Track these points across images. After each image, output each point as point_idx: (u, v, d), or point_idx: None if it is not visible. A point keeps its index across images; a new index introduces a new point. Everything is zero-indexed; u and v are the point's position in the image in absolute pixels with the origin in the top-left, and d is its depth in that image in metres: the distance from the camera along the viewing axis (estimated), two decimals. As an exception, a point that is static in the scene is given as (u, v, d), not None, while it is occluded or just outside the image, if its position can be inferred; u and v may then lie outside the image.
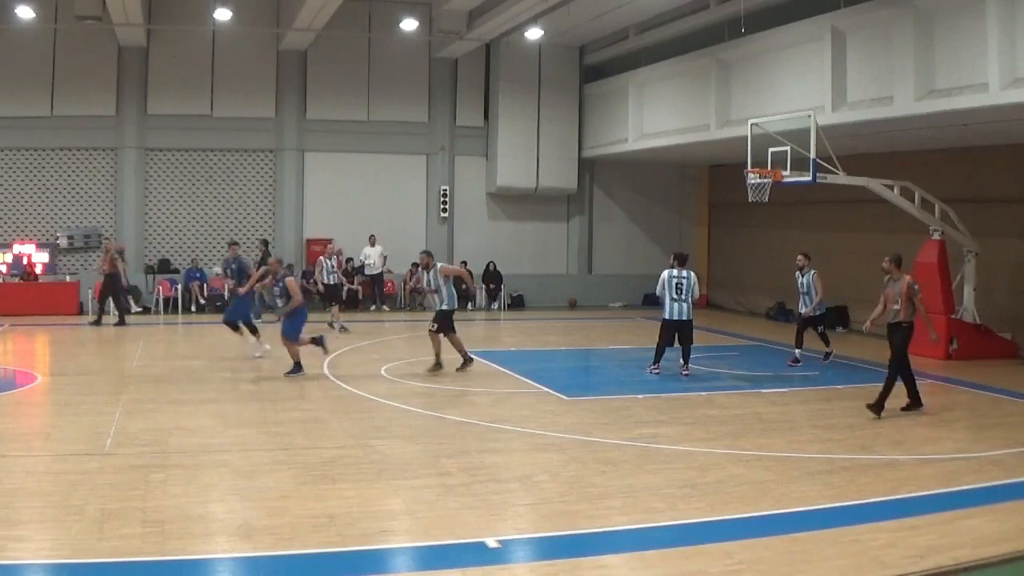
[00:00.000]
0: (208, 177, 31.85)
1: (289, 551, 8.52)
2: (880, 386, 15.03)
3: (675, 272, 18.73)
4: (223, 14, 28.37)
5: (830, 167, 20.76)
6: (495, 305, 33.26)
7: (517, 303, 33.86)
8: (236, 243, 24.16)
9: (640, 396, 16.65)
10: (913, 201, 22.10)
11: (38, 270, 29.70)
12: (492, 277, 33.44)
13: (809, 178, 20.56)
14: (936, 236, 22.46)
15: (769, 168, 21.52)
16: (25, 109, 30.08)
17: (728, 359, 21.58)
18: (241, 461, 11.55)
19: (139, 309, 29.85)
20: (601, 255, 35.49)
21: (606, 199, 35.64)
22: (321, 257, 27.19)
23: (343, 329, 25.64)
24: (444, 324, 18.79)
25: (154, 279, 30.73)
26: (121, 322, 26.84)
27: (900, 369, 14.99)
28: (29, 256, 29.85)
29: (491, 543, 8.77)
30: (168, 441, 12.59)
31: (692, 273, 18.90)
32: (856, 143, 23.03)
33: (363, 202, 32.82)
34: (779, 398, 16.69)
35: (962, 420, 15.50)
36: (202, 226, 31.79)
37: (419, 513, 9.71)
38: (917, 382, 15.38)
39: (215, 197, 31.96)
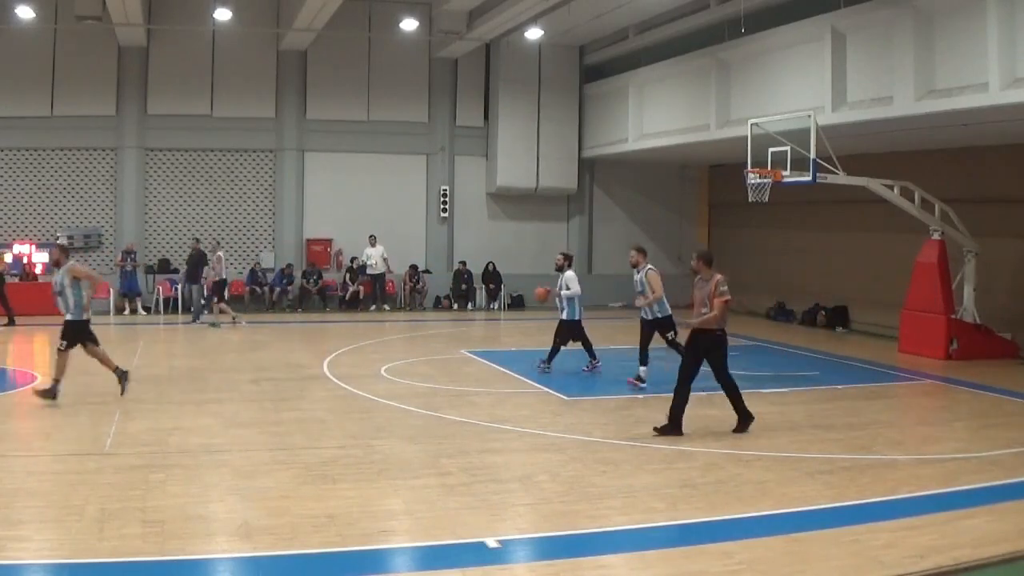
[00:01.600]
0: (208, 177, 31.88)
1: (289, 551, 8.53)
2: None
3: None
4: (223, 14, 28.38)
5: (830, 167, 20.76)
6: (495, 305, 33.25)
7: (517, 303, 33.84)
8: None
9: (640, 396, 16.68)
10: (913, 201, 22.10)
11: (38, 270, 29.69)
12: (492, 277, 33.43)
13: (809, 178, 20.57)
14: (936, 236, 22.47)
15: (769, 168, 21.53)
16: (25, 109, 30.12)
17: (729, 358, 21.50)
18: (241, 461, 11.56)
19: (143, 311, 29.86)
20: (601, 255, 35.45)
21: (606, 199, 35.64)
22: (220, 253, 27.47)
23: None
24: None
25: (154, 279, 30.73)
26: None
27: (724, 382, 13.77)
28: (28, 256, 29.85)
29: (491, 543, 8.78)
30: (168, 441, 12.61)
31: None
32: (856, 143, 23.02)
33: (363, 202, 32.82)
34: (779, 398, 16.71)
35: (962, 420, 15.52)
36: (202, 226, 31.75)
37: (419, 513, 9.72)
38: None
39: (215, 197, 31.98)
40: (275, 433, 13.21)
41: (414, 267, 32.69)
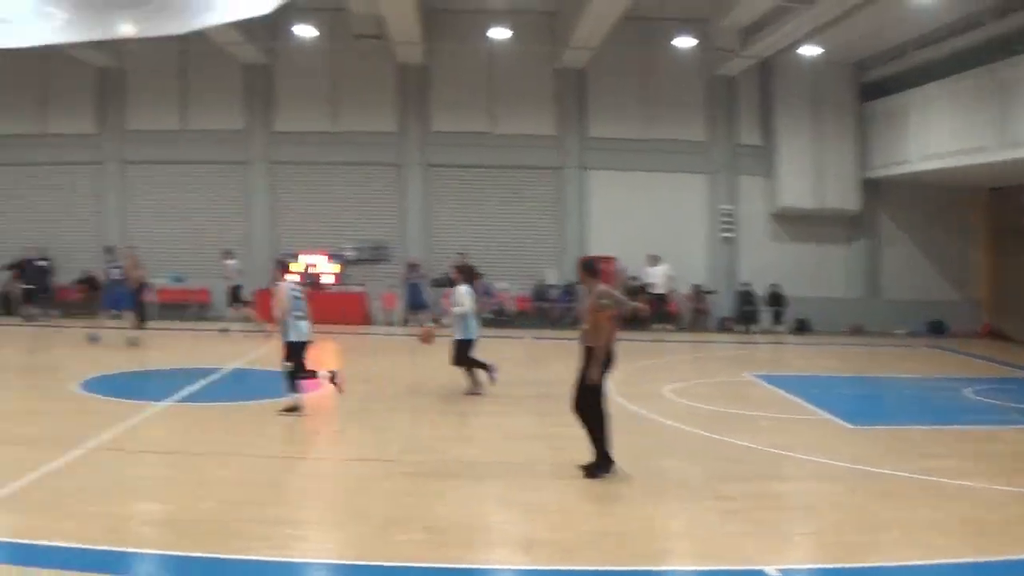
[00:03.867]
0: (492, 194, 32.36)
1: (568, 566, 8.51)
2: None
3: None
4: (499, 33, 28.83)
5: None
6: (780, 328, 32.56)
7: (802, 327, 33.02)
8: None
9: (923, 427, 16.02)
10: None
11: (327, 280, 30.81)
12: (776, 300, 32.77)
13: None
14: None
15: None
16: (310, 125, 31.39)
17: (1010, 391, 20.51)
18: (523, 474, 11.62)
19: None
20: (888, 278, 34.26)
21: (891, 221, 34.48)
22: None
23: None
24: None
25: (440, 292, 31.35)
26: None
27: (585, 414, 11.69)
28: (317, 266, 31.04)
29: (771, 572, 8.55)
30: (453, 451, 12.80)
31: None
32: None
33: (644, 221, 32.58)
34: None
35: None
36: (486, 243, 32.27)
37: (698, 536, 9.57)
38: None
39: (499, 214, 32.42)
40: (556, 447, 13.21)
41: (698, 287, 32.36)
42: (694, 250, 33.05)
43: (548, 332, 29.59)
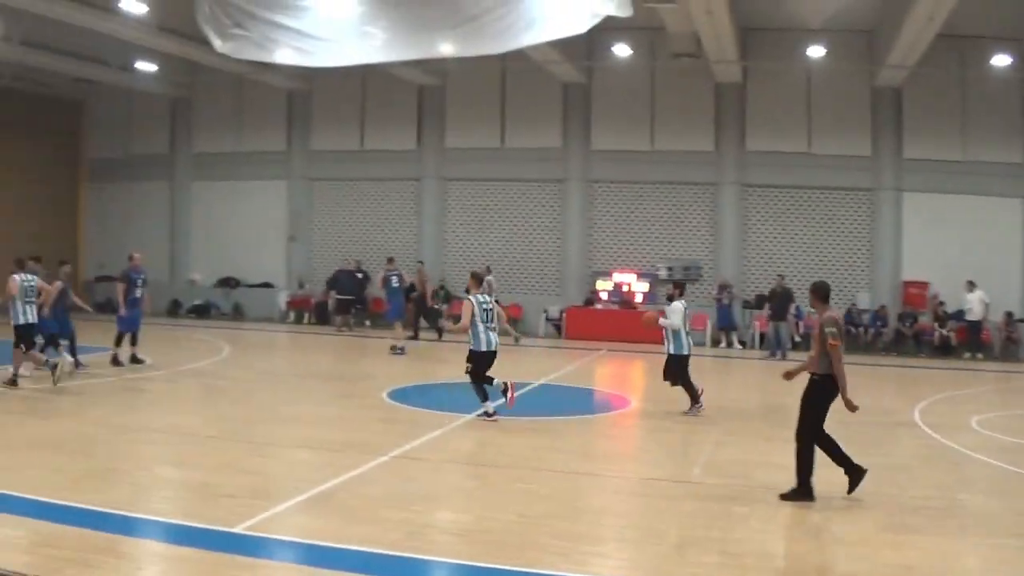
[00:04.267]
0: (805, 215, 31.63)
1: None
2: None
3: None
4: (816, 51, 28.28)
5: None
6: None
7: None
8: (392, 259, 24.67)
9: None
10: None
11: (638, 299, 30.89)
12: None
13: None
14: None
15: None
16: (626, 143, 31.59)
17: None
18: (822, 502, 11.30)
19: (739, 345, 30.20)
20: None
21: None
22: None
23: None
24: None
25: (750, 314, 30.98)
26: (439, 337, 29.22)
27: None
28: (628, 285, 31.14)
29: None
30: (755, 475, 12.58)
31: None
32: None
33: (958, 245, 30.94)
34: None
35: None
36: (798, 264, 31.62)
37: (997, 575, 9.11)
38: None
39: (811, 235, 31.65)
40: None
41: (1010, 314, 30.75)
42: (1008, 276, 31.21)
43: (858, 358, 28.67)
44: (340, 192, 35.64)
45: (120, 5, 24.65)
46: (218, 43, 21.26)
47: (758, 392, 21.68)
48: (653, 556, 9.11)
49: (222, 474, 11.81)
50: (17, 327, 18.37)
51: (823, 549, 9.64)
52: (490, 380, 16.03)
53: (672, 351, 17.48)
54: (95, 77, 34.77)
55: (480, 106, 33.23)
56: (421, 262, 31.82)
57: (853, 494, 11.36)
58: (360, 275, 32.83)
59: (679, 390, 17.03)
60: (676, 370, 17.41)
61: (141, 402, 17.81)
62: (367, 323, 32.47)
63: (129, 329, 21.94)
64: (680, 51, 27.67)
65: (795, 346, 28.54)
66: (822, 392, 11.43)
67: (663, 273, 31.50)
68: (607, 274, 31.66)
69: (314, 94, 35.44)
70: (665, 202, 32.21)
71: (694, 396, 17.22)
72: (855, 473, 11.46)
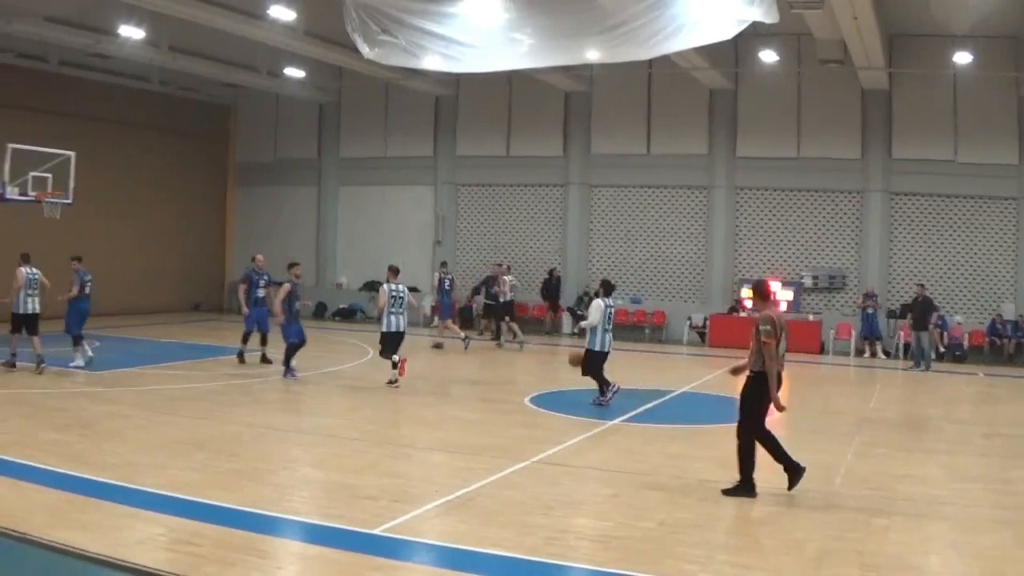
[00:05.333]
0: (950, 224, 30.74)
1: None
2: None
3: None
4: (962, 58, 27.64)
5: None
6: None
7: None
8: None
9: None
10: None
11: (782, 308, 30.51)
12: None
13: None
14: None
15: None
16: (773, 150, 31.24)
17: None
18: (964, 516, 11.08)
19: (883, 355, 29.60)
20: None
21: None
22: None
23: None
24: None
25: (895, 323, 30.36)
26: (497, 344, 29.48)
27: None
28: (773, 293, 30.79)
29: None
30: (896, 488, 12.36)
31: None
32: None
33: None
34: None
35: None
36: (942, 274, 30.80)
37: None
38: None
39: (956, 245, 30.79)
40: (1001, 491, 12.51)
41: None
42: None
43: (1002, 369, 27.96)
44: (485, 197, 35.89)
45: (268, 12, 25.10)
46: (366, 49, 21.60)
47: (900, 403, 21.27)
48: (791, 566, 9.01)
49: (363, 476, 12.00)
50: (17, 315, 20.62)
51: (960, 563, 9.44)
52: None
53: (588, 346, 18.29)
54: (243, 82, 35.59)
55: (626, 112, 33.13)
56: (499, 264, 32.09)
57: (997, 511, 11.08)
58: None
59: (830, 402, 16.81)
60: (591, 364, 18.28)
61: (286, 404, 18.19)
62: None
63: (255, 328, 22.91)
64: (826, 57, 27.27)
65: (939, 356, 27.92)
66: (758, 389, 11.69)
67: (808, 281, 31.09)
68: (752, 282, 31.26)
69: (460, 100, 35.74)
70: (810, 210, 31.74)
71: (602, 388, 18.20)
72: (794, 472, 11.69)
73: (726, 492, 11.47)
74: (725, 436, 15.30)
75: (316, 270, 38.36)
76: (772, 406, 11.72)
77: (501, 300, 29.61)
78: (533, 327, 32.83)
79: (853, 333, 29.77)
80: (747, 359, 11.86)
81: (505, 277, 29.69)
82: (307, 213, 39.24)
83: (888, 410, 19.35)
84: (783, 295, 30.63)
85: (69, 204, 25.36)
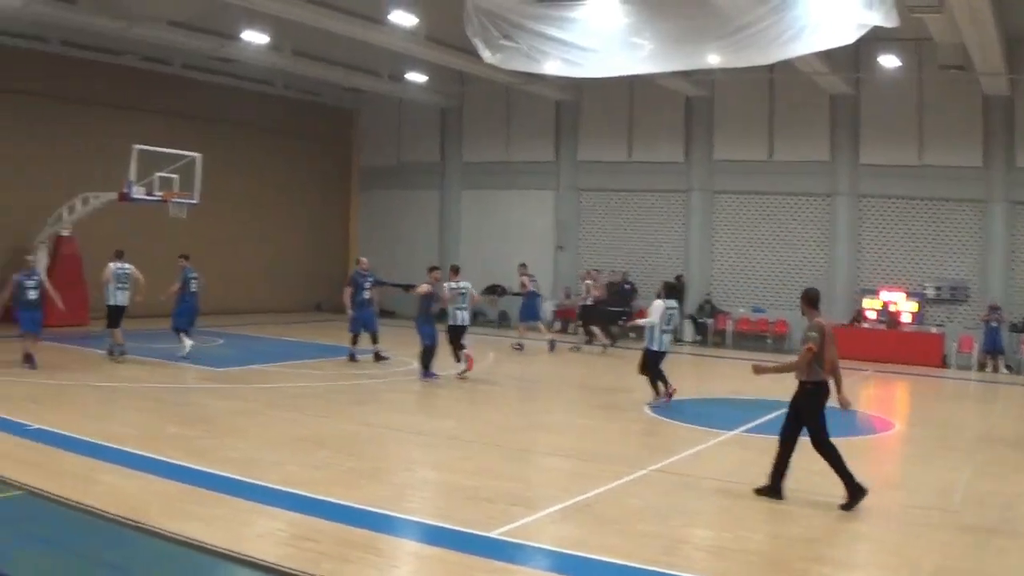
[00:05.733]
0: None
1: None
2: None
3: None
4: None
5: None
6: None
7: None
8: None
9: None
10: None
11: (905, 319, 30.03)
12: None
13: None
14: None
15: None
16: (895, 158, 30.72)
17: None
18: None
19: (1004, 370, 28.93)
20: None
21: None
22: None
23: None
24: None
25: (1018, 338, 29.63)
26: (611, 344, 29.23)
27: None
28: (896, 304, 30.27)
29: None
30: (1017, 507, 12.12)
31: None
32: None
33: None
34: None
35: None
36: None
37: None
38: None
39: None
40: None
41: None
42: None
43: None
44: (607, 203, 35.82)
45: (389, 17, 25.35)
46: (487, 54, 21.76)
47: (1022, 422, 20.77)
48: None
49: (481, 478, 12.10)
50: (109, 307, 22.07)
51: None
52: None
53: (646, 345, 18.77)
54: (366, 87, 36.09)
55: (748, 118, 32.79)
56: (597, 270, 32.52)
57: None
58: (627, 286, 33.09)
59: (951, 417, 16.52)
60: (648, 363, 18.69)
61: (406, 404, 18.39)
62: (631, 335, 32.54)
63: (362, 329, 23.69)
64: (947, 63, 26.74)
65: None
66: (814, 399, 11.81)
67: (930, 292, 30.47)
68: (874, 292, 30.78)
69: (582, 104, 35.74)
70: (932, 219, 31.08)
71: (657, 391, 18.62)
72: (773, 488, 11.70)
73: (843, 507, 11.28)
74: (843, 449, 15.12)
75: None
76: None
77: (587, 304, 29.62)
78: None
79: (975, 347, 29.13)
80: (778, 363, 12.29)
81: (587, 282, 29.76)
82: (429, 217, 39.55)
83: (1009, 428, 18.92)
84: (906, 306, 30.11)
85: (195, 204, 25.98)
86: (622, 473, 12.55)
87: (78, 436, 13.38)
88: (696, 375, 25.63)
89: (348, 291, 23.65)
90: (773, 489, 11.68)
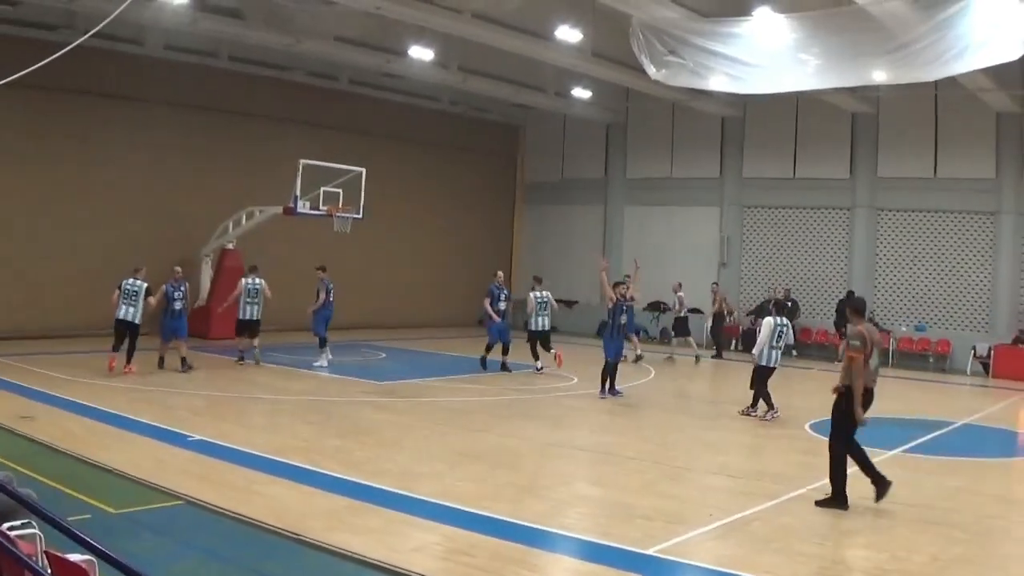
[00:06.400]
0: None
1: None
2: None
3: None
4: None
5: None
6: None
7: None
8: None
9: None
10: None
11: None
12: None
13: None
14: None
15: None
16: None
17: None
18: None
19: None
20: None
21: None
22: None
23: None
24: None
25: None
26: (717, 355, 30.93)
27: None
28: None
29: None
30: None
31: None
32: None
33: None
34: None
35: None
36: None
37: None
38: None
39: None
40: None
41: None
42: None
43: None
44: (771, 219, 35.38)
45: (556, 33, 25.40)
46: (652, 70, 21.75)
47: None
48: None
49: (639, 495, 12.08)
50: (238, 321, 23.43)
51: None
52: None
53: (756, 361, 18.85)
54: (532, 103, 36.27)
55: (913, 134, 32.08)
56: (715, 283, 33.39)
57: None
58: (789, 303, 32.69)
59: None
60: (756, 379, 18.74)
61: (565, 419, 18.37)
62: (794, 352, 32.13)
63: (498, 340, 24.33)
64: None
65: None
66: (847, 403, 11.96)
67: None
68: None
69: (747, 120, 35.38)
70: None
71: (755, 403, 18.84)
72: (881, 484, 11.82)
73: (819, 503, 11.79)
74: (1006, 471, 14.75)
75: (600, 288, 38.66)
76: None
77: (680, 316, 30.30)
78: (821, 353, 32.15)
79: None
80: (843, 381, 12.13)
81: (679, 294, 30.32)
82: (593, 232, 39.55)
83: None
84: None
85: (359, 219, 26.41)
86: (780, 492, 12.42)
87: (239, 448, 13.72)
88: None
89: (488, 301, 24.45)
90: (878, 490, 11.84)
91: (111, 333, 20.59)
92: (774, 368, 18.63)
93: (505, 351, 24.37)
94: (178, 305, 21.41)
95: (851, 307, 12.84)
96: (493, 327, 24.28)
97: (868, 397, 11.99)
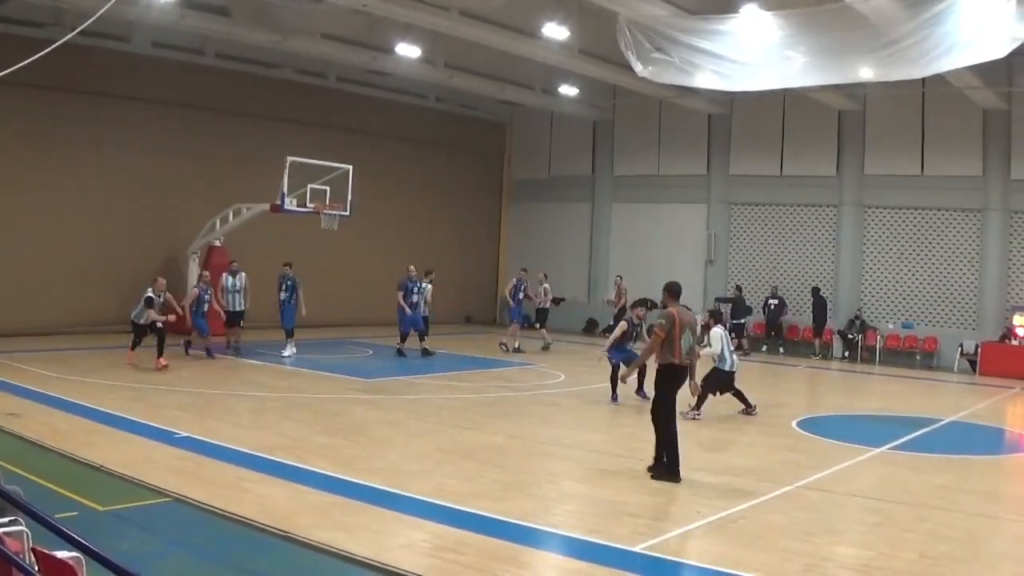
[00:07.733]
0: None
1: None
2: None
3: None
4: None
5: None
6: None
7: None
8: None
9: None
10: None
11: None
12: None
13: None
14: None
15: None
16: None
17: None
18: None
19: None
20: None
21: None
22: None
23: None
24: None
25: None
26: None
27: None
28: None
29: None
30: None
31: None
32: None
33: None
34: None
35: None
36: None
37: None
38: None
39: None
40: None
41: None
42: None
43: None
44: (758, 217, 35.41)
45: (543, 30, 25.38)
46: (639, 67, 21.75)
47: None
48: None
49: (627, 493, 12.11)
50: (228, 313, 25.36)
51: None
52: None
53: (717, 366, 18.79)
54: (518, 100, 36.29)
55: (899, 132, 32.11)
56: (619, 276, 34.03)
57: None
58: (775, 301, 32.74)
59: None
60: (711, 381, 18.46)
61: (553, 417, 18.36)
62: (781, 350, 32.12)
63: (411, 329, 26.66)
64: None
65: None
66: (663, 379, 13.11)
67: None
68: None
69: (734, 118, 35.40)
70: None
71: (699, 400, 18.14)
72: (659, 466, 12.95)
73: (650, 470, 12.98)
74: (993, 468, 14.78)
75: (588, 286, 38.81)
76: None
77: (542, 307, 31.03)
78: (809, 350, 32.31)
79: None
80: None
81: (544, 285, 30.90)
82: (580, 229, 39.67)
83: None
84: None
85: (347, 216, 26.42)
86: (767, 489, 12.43)
87: (227, 445, 13.71)
88: (844, 391, 25.29)
89: (400, 295, 26.41)
90: (654, 470, 12.99)
91: (98, 330, 20.70)
92: (734, 372, 18.79)
93: (421, 338, 26.53)
94: (207, 308, 24.18)
95: (667, 290, 13.60)
96: (406, 318, 26.15)
97: (684, 373, 13.19)
